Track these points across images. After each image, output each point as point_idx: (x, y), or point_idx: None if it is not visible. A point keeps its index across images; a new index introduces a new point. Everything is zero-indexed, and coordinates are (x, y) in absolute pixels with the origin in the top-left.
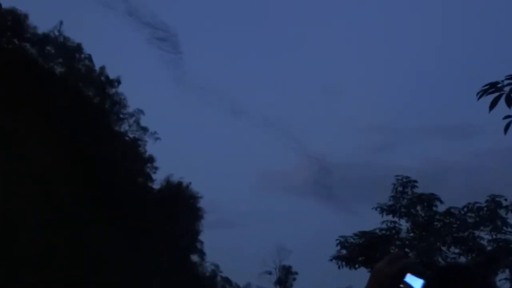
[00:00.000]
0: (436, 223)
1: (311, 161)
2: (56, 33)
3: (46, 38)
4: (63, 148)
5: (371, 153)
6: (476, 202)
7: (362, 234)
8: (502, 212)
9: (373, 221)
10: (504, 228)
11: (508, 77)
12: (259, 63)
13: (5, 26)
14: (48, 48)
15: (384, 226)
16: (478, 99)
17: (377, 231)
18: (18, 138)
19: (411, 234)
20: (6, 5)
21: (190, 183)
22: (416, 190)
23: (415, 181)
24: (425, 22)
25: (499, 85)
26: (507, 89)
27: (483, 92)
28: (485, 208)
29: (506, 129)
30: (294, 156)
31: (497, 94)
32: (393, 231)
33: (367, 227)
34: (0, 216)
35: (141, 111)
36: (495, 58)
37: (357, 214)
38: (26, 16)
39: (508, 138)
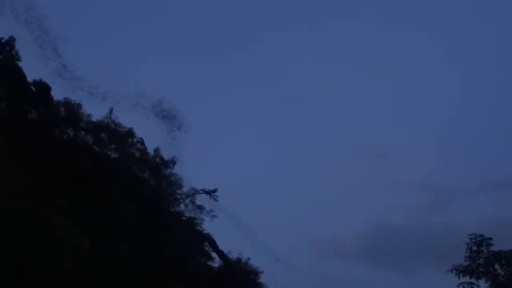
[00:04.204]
0: None
1: (365, 225)
2: (108, 120)
3: (99, 125)
4: (122, 230)
5: (424, 213)
6: None
7: None
8: None
9: (440, 283)
10: None
11: None
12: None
13: (58, 117)
14: (102, 135)
15: None
16: None
17: None
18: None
19: None
20: (59, 96)
21: (249, 258)
22: (492, 248)
23: (490, 239)
24: (468, 78)
25: None
26: None
27: None
28: None
29: None
30: (345, 221)
31: None
32: None
33: None
34: None
35: (196, 190)
36: None
37: (419, 276)
38: (79, 105)
39: None
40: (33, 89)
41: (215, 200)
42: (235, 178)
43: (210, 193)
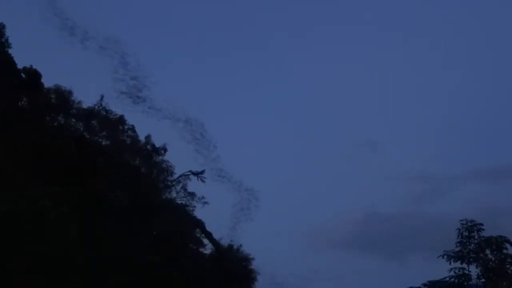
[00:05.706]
0: (507, 266)
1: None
2: (99, 107)
3: (90, 113)
4: (114, 218)
5: (417, 202)
6: None
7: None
8: None
9: (430, 270)
10: None
11: None
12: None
13: (49, 105)
14: (93, 122)
15: (452, 273)
16: None
17: (447, 279)
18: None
19: (482, 280)
20: (49, 83)
21: (241, 245)
22: (482, 234)
23: (481, 224)
24: (459, 62)
25: None
26: None
27: None
28: None
29: None
30: (336, 211)
31: None
32: (463, 278)
33: (424, 277)
34: None
35: (187, 177)
36: None
37: (410, 264)
38: (70, 93)
39: None
40: (24, 76)
41: (203, 181)
42: None
43: (198, 174)
